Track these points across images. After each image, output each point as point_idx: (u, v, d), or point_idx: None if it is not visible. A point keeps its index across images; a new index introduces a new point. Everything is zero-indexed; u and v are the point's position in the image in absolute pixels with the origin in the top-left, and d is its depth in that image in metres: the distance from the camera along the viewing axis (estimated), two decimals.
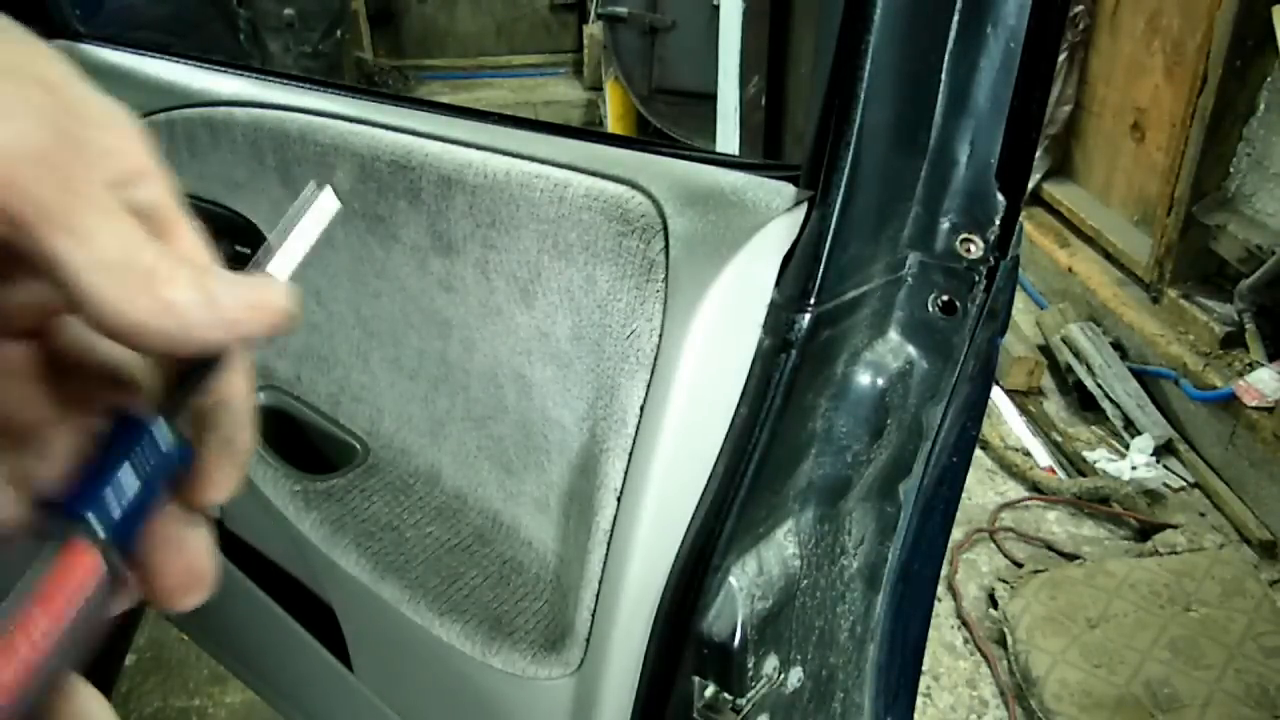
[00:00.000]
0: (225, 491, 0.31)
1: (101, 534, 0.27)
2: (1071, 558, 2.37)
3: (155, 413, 0.29)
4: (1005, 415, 2.93)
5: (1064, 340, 3.08)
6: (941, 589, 2.28)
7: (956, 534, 2.45)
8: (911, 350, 0.64)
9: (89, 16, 1.24)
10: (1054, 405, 2.99)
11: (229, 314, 0.27)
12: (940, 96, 0.54)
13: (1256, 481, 2.46)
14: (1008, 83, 0.52)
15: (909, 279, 0.62)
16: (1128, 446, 2.70)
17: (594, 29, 5.23)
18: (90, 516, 0.27)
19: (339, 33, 4.18)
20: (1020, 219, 0.56)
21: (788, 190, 0.61)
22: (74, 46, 1.12)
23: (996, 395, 2.94)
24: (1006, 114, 0.53)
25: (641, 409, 0.68)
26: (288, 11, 3.83)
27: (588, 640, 0.74)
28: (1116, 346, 3.02)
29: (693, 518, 0.68)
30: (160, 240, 0.28)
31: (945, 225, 0.58)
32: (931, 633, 1.87)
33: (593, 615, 0.73)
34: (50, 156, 0.25)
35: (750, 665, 0.70)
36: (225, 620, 1.23)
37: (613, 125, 4.72)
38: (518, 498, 0.86)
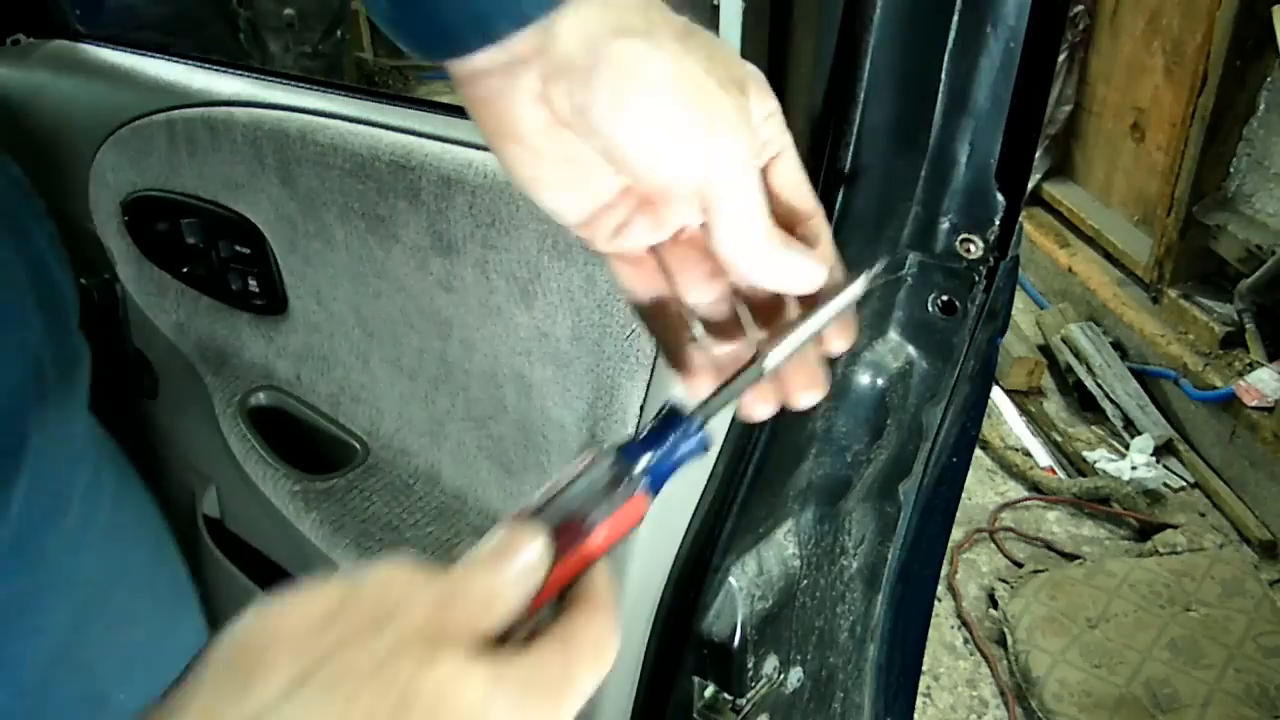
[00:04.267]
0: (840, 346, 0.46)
1: (651, 488, 0.40)
2: (1071, 558, 2.37)
3: (695, 411, 0.42)
4: (1005, 415, 2.93)
5: (1064, 340, 3.08)
6: (941, 589, 2.28)
7: (956, 534, 2.46)
8: (911, 350, 0.64)
9: (89, 16, 1.24)
10: (1054, 405, 2.99)
11: (794, 275, 0.42)
12: (940, 96, 0.54)
13: (1256, 481, 2.46)
14: (1008, 82, 0.52)
15: (909, 279, 0.62)
16: (1128, 446, 2.70)
17: None
18: (647, 472, 0.40)
19: (339, 33, 4.17)
20: (1020, 219, 0.56)
21: None
22: (74, 46, 1.12)
23: (996, 395, 2.94)
24: (1006, 114, 0.53)
25: (641, 409, 0.68)
26: (288, 11, 3.82)
27: None
28: (1116, 346, 3.02)
29: (693, 518, 0.68)
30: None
31: (945, 225, 0.58)
32: (931, 633, 1.87)
33: None
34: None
35: (750, 665, 0.70)
36: (225, 621, 1.23)
37: None
38: (517, 498, 0.86)
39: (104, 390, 0.83)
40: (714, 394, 0.43)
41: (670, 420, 0.42)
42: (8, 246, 0.70)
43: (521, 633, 0.36)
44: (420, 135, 0.77)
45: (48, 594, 0.73)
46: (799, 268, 0.41)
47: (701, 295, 0.46)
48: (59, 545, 0.74)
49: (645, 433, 0.42)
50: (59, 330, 0.75)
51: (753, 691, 0.70)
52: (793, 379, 0.45)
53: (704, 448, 0.42)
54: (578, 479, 0.39)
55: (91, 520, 0.78)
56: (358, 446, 0.99)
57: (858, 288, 0.45)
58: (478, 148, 0.74)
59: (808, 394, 0.45)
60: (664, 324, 0.47)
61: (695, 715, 0.71)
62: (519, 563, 0.35)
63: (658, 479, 0.41)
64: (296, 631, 0.31)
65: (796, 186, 0.44)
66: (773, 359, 0.43)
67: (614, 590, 0.39)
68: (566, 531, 0.37)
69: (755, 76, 0.42)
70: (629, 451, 0.41)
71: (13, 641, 0.70)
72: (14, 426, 0.67)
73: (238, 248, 0.96)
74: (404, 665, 0.31)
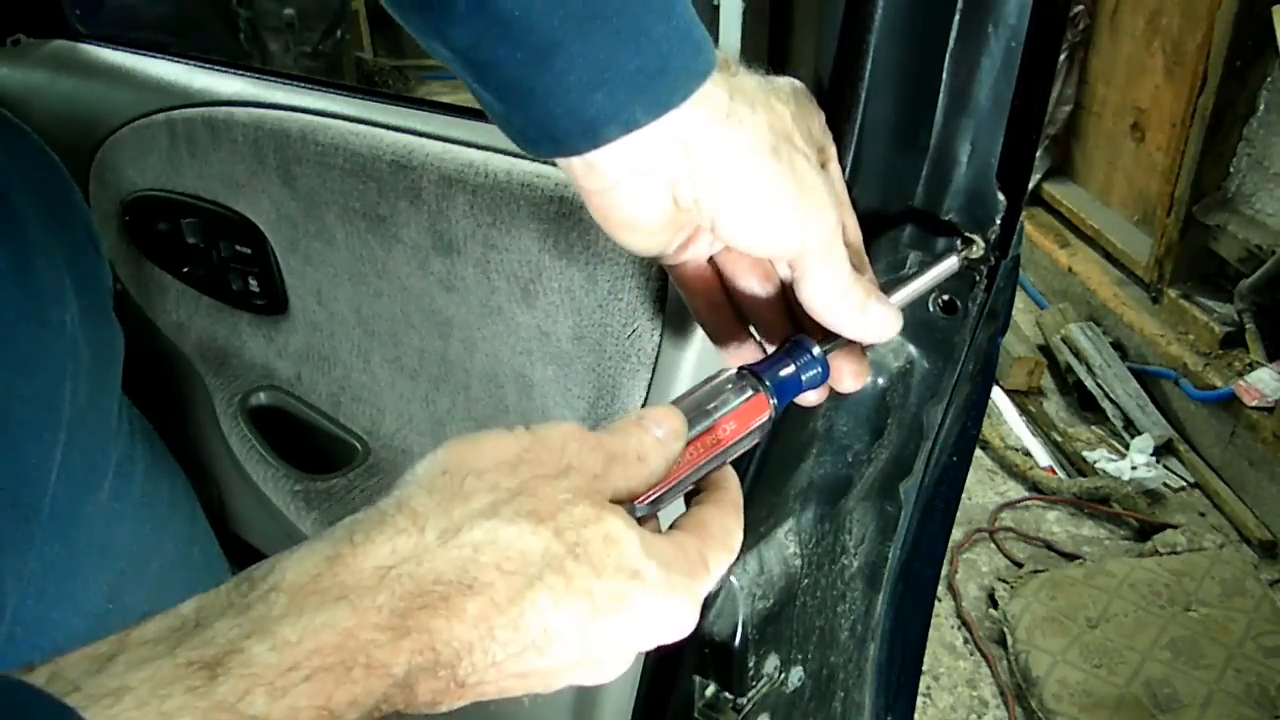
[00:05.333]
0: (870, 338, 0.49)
1: (772, 395, 0.46)
2: (1071, 558, 2.37)
3: (816, 343, 0.48)
4: (1005, 415, 2.93)
5: (1064, 340, 3.08)
6: (941, 589, 2.28)
7: (956, 534, 2.46)
8: (912, 349, 0.64)
9: (89, 16, 1.24)
10: (1054, 405, 2.99)
11: (878, 329, 0.48)
12: (941, 96, 0.54)
13: (1256, 481, 2.46)
14: (1009, 82, 0.52)
15: (909, 278, 0.62)
16: (1128, 446, 2.70)
17: None
18: (767, 382, 0.46)
19: (339, 33, 4.16)
20: (1021, 218, 0.56)
21: None
22: (74, 46, 1.12)
23: (996, 395, 2.94)
24: (1007, 113, 0.52)
25: (642, 408, 0.68)
26: (288, 11, 3.82)
27: None
28: (1116, 346, 3.02)
29: None
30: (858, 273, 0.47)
31: (946, 224, 0.58)
32: (931, 633, 1.87)
33: None
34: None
35: (751, 664, 0.70)
36: None
37: None
38: None
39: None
40: (830, 335, 0.49)
41: (794, 348, 0.48)
42: (47, 231, 0.72)
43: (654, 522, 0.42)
44: (421, 135, 0.77)
45: (85, 563, 0.76)
46: (881, 321, 0.48)
47: (755, 295, 0.51)
48: (95, 516, 0.76)
49: (769, 358, 0.48)
50: (95, 313, 0.77)
51: (754, 691, 0.70)
52: (843, 365, 0.50)
53: (826, 374, 0.49)
54: (706, 385, 0.46)
55: (126, 494, 0.81)
56: (358, 446, 0.99)
57: (953, 262, 0.53)
58: (479, 148, 0.74)
59: (854, 380, 0.51)
60: (720, 323, 0.53)
61: (696, 715, 0.71)
62: (662, 429, 0.41)
63: (783, 393, 0.47)
64: (490, 467, 0.36)
65: (840, 194, 0.50)
66: (899, 300, 0.50)
67: (739, 489, 0.45)
68: (698, 420, 0.44)
69: (809, 99, 0.48)
70: (753, 369, 0.46)
71: (52, 609, 0.72)
72: (50, 403, 0.69)
73: (238, 248, 0.96)
74: (577, 513, 0.35)
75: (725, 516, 0.42)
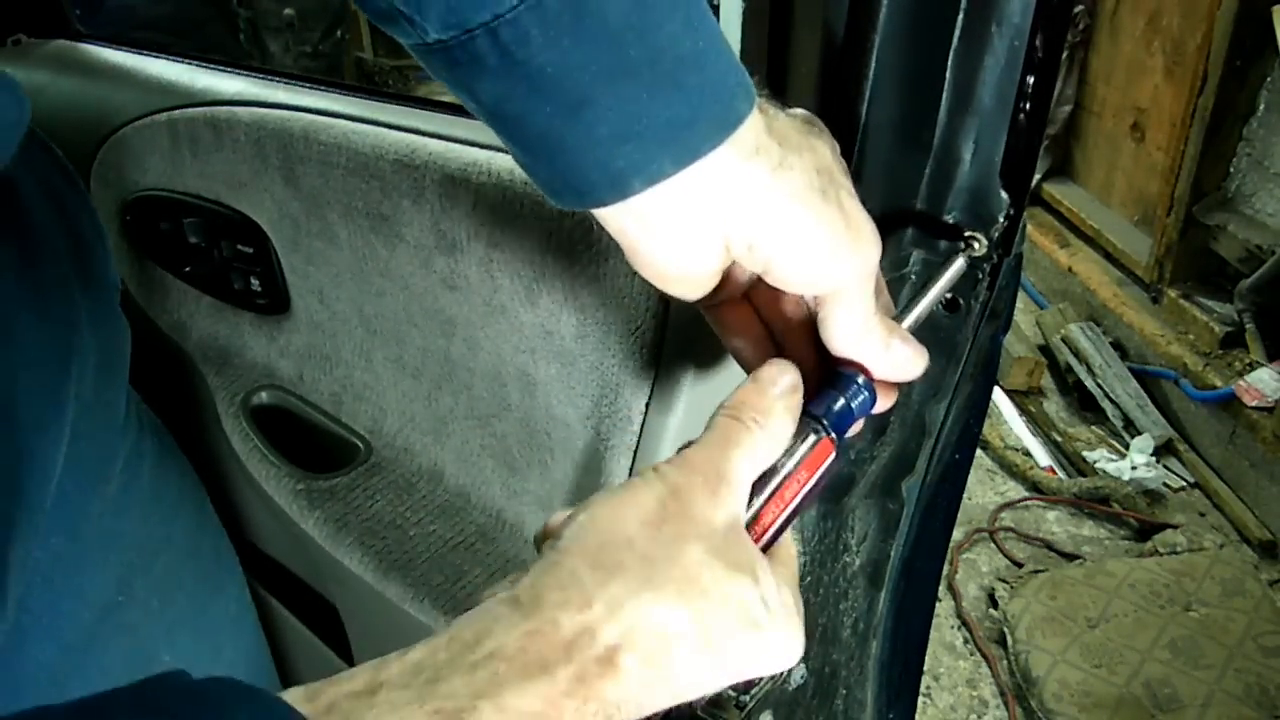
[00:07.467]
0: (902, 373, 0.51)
1: (833, 435, 0.46)
2: (1071, 558, 2.38)
3: (860, 370, 0.48)
4: (1005, 415, 2.93)
5: (1064, 340, 3.08)
6: (941, 589, 2.28)
7: (956, 534, 2.46)
8: None
9: (89, 16, 1.24)
10: (1054, 405, 2.99)
11: (900, 368, 0.50)
12: (945, 94, 0.54)
13: (1256, 481, 2.47)
14: (1012, 80, 0.52)
15: (912, 276, 0.62)
16: (1128, 446, 2.71)
17: None
18: (826, 423, 0.46)
19: (339, 33, 4.16)
20: (1024, 217, 0.56)
21: None
22: (74, 46, 1.12)
23: (997, 395, 2.94)
24: (1010, 112, 0.53)
25: (646, 407, 0.68)
26: (288, 11, 3.81)
27: None
28: (1116, 346, 3.02)
29: None
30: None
31: (949, 223, 0.58)
32: (931, 633, 1.87)
33: None
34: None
35: None
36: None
37: None
38: (521, 496, 0.86)
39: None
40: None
41: (839, 380, 0.49)
42: (52, 224, 0.72)
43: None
44: (424, 134, 0.78)
45: (91, 556, 0.76)
46: (909, 361, 0.49)
47: (791, 327, 0.51)
48: (102, 510, 0.76)
49: (817, 396, 0.48)
50: (100, 307, 0.77)
51: (756, 688, 0.71)
52: (887, 368, 0.51)
53: (874, 399, 0.49)
54: None
55: (134, 487, 0.81)
56: (361, 445, 0.99)
57: (961, 264, 0.54)
58: (482, 147, 0.74)
59: (887, 400, 0.51)
60: (761, 359, 0.53)
61: (699, 712, 0.72)
62: (777, 386, 0.45)
63: (840, 428, 0.47)
64: (637, 532, 0.40)
65: None
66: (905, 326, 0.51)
67: (793, 555, 0.47)
68: (769, 478, 0.44)
69: (824, 128, 0.48)
70: (808, 410, 0.47)
71: (59, 600, 0.73)
72: (55, 396, 0.69)
73: (240, 247, 0.96)
74: (710, 576, 0.40)
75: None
